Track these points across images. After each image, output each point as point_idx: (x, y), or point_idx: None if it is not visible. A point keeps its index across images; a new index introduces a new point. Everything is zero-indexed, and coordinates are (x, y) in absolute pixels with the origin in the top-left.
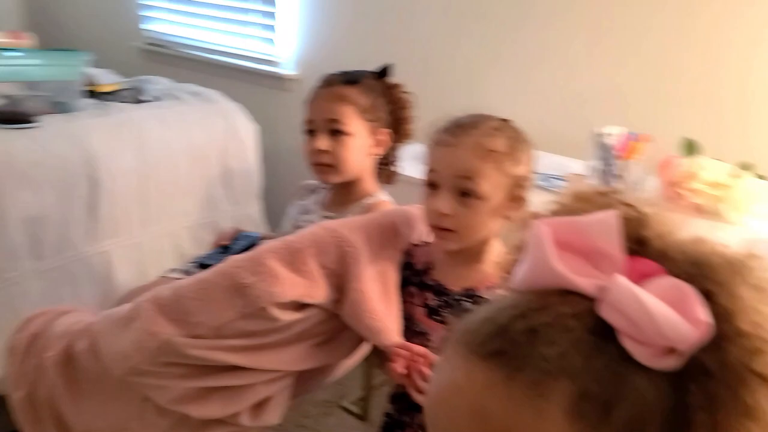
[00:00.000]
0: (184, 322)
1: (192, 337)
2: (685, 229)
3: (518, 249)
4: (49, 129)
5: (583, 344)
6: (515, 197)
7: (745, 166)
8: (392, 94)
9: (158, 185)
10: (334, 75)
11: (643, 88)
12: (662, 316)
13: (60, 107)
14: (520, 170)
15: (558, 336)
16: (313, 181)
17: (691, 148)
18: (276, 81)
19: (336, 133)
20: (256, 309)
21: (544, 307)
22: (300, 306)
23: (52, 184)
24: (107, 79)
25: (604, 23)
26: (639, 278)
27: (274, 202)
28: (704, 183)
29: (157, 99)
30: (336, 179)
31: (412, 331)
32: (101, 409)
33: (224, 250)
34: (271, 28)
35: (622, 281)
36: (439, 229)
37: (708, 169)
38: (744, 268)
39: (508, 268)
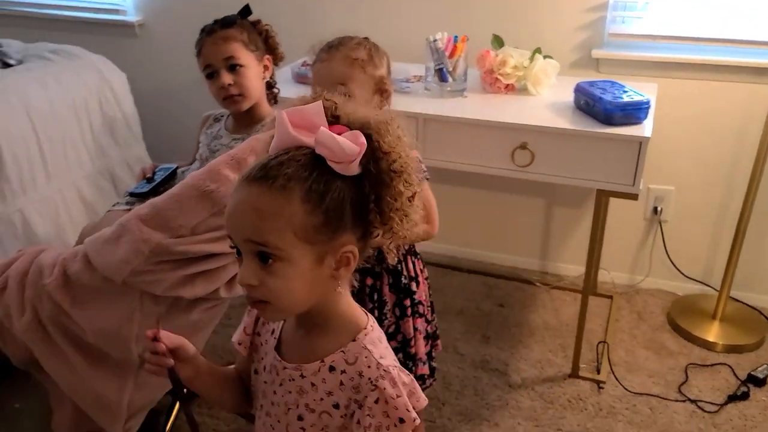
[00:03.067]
0: (167, 227)
1: (176, 238)
2: (359, 107)
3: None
4: None
5: (307, 166)
6: (382, 91)
7: (537, 51)
8: (259, 28)
9: (52, 143)
10: (211, 24)
11: None
12: (343, 142)
13: None
14: (380, 72)
15: (294, 164)
16: (213, 112)
17: (498, 41)
18: (123, 29)
19: (233, 67)
20: (222, 207)
21: (287, 153)
22: None
23: None
24: None
25: None
26: (337, 134)
27: (155, 140)
28: (512, 68)
29: (20, 62)
30: (246, 106)
31: None
32: (107, 310)
33: (149, 180)
34: None
35: (324, 130)
36: None
37: (513, 57)
38: (386, 122)
39: (266, 147)
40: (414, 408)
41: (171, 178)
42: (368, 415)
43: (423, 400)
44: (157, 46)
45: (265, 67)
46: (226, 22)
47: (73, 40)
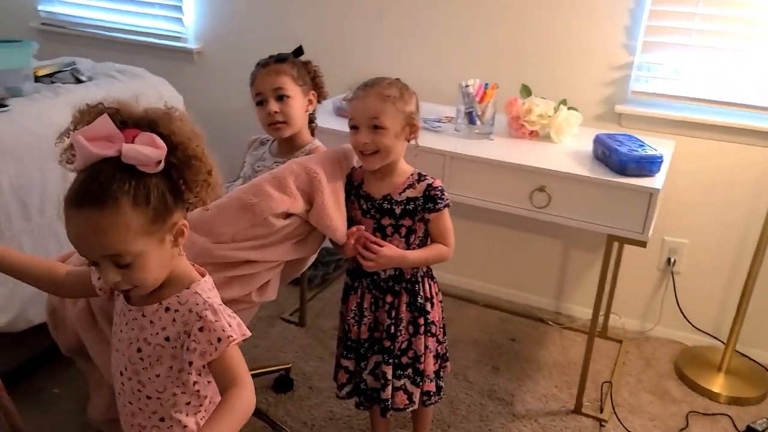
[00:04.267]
0: (211, 233)
1: (217, 243)
2: (133, 105)
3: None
4: (20, 111)
5: (124, 177)
6: (411, 125)
7: (562, 102)
8: (308, 68)
9: None
10: (266, 58)
11: (490, 49)
12: (147, 151)
13: (13, 92)
14: (409, 108)
15: (111, 180)
16: (260, 136)
17: (526, 90)
18: (183, 55)
19: (281, 98)
20: (260, 219)
21: (98, 170)
22: (287, 215)
23: (32, 157)
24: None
25: (460, 3)
26: (132, 139)
27: None
28: (537, 116)
29: (90, 79)
30: (287, 133)
31: (354, 226)
32: None
33: None
34: (178, 8)
35: (127, 147)
36: (365, 154)
37: (539, 106)
38: (167, 114)
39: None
40: (243, 335)
41: None
42: (194, 341)
43: (247, 333)
44: (212, 73)
45: (309, 102)
46: (279, 58)
47: (137, 62)
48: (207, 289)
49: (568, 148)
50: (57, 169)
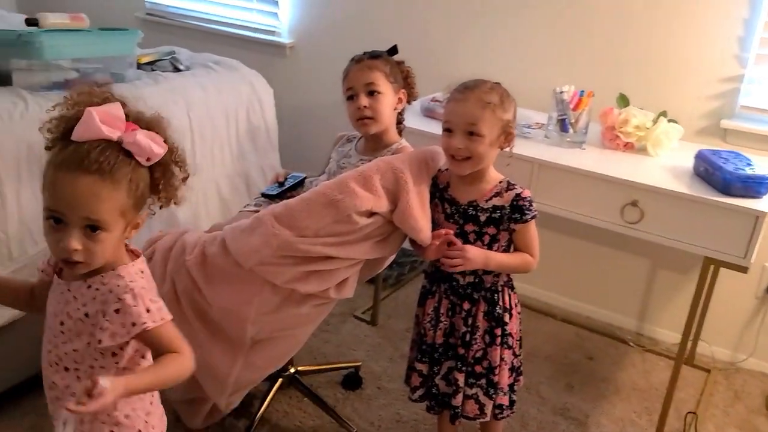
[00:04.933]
0: (295, 226)
1: (300, 237)
2: (140, 105)
3: (61, 123)
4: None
5: (125, 160)
6: (506, 134)
7: (662, 114)
8: (401, 67)
9: (203, 140)
10: (360, 54)
11: (587, 55)
12: (153, 146)
13: (117, 77)
14: (507, 116)
15: (115, 157)
16: (347, 133)
17: (623, 100)
18: (276, 49)
19: (372, 93)
20: (344, 216)
21: (101, 146)
22: (370, 214)
23: None
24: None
25: (558, 6)
26: (132, 131)
27: (288, 151)
28: (633, 127)
29: (188, 68)
30: (375, 129)
31: (436, 229)
32: (232, 292)
33: (280, 185)
34: (274, 3)
35: (140, 135)
36: (456, 159)
37: (636, 117)
38: (158, 119)
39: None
40: (162, 319)
41: (299, 186)
42: (107, 320)
43: (168, 317)
44: (303, 68)
45: (399, 100)
46: (374, 55)
47: (233, 54)
48: (133, 272)
49: (665, 163)
50: None
